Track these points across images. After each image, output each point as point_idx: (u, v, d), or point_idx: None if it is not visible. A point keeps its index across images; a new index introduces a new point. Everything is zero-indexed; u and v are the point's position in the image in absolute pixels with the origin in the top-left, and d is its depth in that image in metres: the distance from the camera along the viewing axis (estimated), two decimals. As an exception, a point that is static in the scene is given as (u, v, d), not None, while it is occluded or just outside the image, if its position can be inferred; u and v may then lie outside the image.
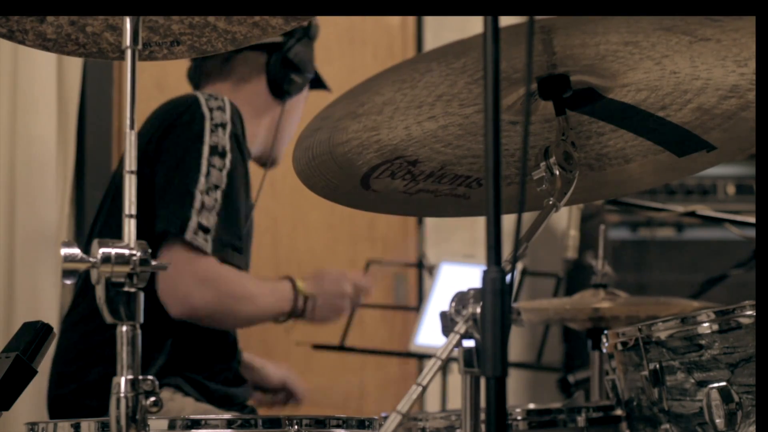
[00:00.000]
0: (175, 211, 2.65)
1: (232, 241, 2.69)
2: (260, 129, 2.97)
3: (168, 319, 2.67)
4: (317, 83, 3.10)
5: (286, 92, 2.96)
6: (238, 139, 2.74)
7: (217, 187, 2.67)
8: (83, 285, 2.77)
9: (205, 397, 2.75)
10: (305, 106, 3.08)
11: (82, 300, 2.80)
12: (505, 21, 1.33)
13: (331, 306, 2.91)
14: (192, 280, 2.64)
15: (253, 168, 2.97)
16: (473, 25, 1.34)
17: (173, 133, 2.73)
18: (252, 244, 2.96)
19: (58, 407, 2.75)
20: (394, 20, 4.72)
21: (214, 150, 2.69)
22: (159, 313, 2.67)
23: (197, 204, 2.64)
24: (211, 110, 2.73)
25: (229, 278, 2.69)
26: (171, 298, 2.66)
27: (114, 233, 1.47)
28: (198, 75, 2.99)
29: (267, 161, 3.01)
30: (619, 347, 1.95)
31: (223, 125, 2.71)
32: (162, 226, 2.65)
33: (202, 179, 2.66)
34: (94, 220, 2.94)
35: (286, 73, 2.94)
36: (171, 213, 2.66)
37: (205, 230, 2.64)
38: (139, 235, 1.45)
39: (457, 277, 3.66)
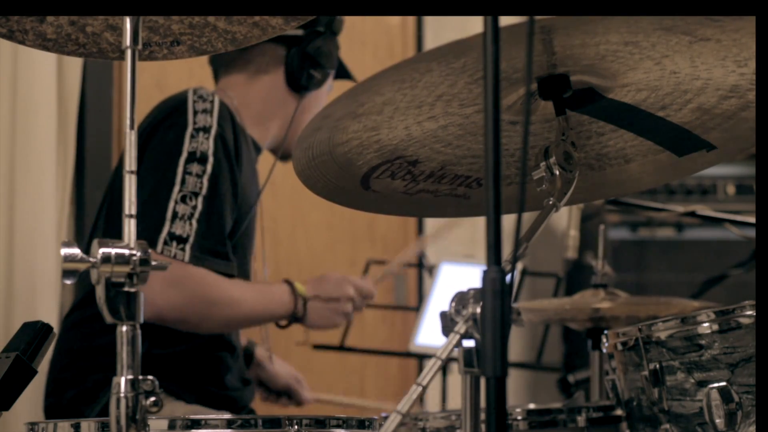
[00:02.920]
0: (145, 224, 2.63)
1: (215, 247, 2.66)
2: (275, 121, 2.94)
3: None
4: (342, 73, 3.05)
5: (304, 87, 2.92)
6: (225, 141, 2.70)
7: (196, 194, 2.63)
8: (86, 290, 2.75)
9: (204, 401, 2.73)
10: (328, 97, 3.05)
11: (84, 303, 2.78)
12: (505, 21, 1.33)
13: (333, 310, 2.87)
14: (159, 281, 2.57)
15: (262, 160, 2.95)
16: (473, 25, 1.34)
17: (154, 138, 2.71)
18: (255, 240, 2.93)
19: (54, 416, 2.72)
20: (394, 20, 4.72)
21: (193, 156, 2.65)
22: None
23: (169, 214, 2.61)
24: (195, 113, 2.70)
25: (203, 281, 2.65)
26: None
27: (114, 234, 1.47)
28: (218, 62, 2.97)
29: (279, 153, 2.97)
30: (619, 347, 1.95)
31: (207, 129, 2.68)
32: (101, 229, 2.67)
33: (176, 188, 2.63)
34: (94, 220, 2.94)
35: (305, 67, 2.90)
36: (142, 226, 2.64)
37: (180, 239, 2.60)
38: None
39: (457, 277, 3.66)
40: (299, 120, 2.90)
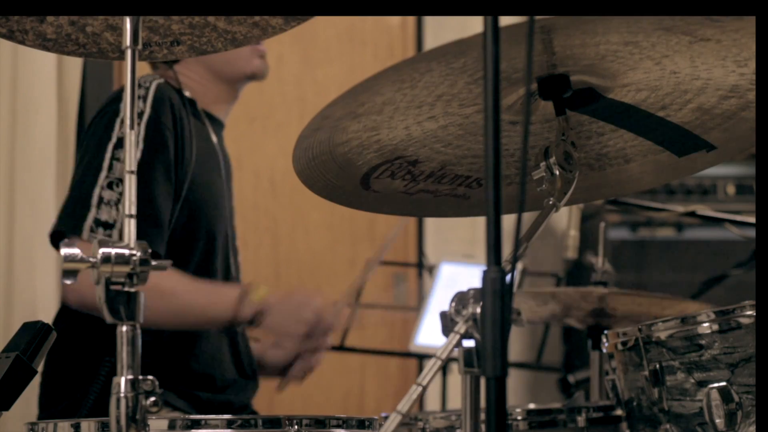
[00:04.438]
0: (71, 211, 2.60)
1: (147, 230, 2.57)
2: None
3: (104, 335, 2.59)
4: None
5: None
6: (160, 125, 2.65)
7: (122, 180, 2.62)
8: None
9: (197, 408, 2.70)
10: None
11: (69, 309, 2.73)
12: (505, 21, 1.33)
13: (282, 326, 2.73)
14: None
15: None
16: (473, 25, 1.34)
17: (89, 129, 2.71)
18: (231, 229, 2.87)
19: None
20: (394, 20, 4.73)
21: (122, 142, 2.62)
22: (89, 331, 2.61)
23: (94, 200, 2.58)
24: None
25: None
26: (67, 288, 2.60)
27: None
28: None
29: (238, 77, 2.89)
30: (619, 347, 1.95)
31: (139, 115, 2.64)
32: (58, 226, 2.62)
33: (102, 174, 2.60)
34: None
35: None
36: (67, 213, 2.62)
37: (106, 225, 2.57)
38: None
39: (457, 277, 3.66)
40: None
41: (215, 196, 2.79)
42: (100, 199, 2.59)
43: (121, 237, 2.44)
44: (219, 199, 2.81)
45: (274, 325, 2.71)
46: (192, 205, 2.73)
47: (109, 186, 2.60)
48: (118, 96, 2.73)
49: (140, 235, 2.48)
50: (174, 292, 2.65)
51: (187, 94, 2.80)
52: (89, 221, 2.57)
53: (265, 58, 2.87)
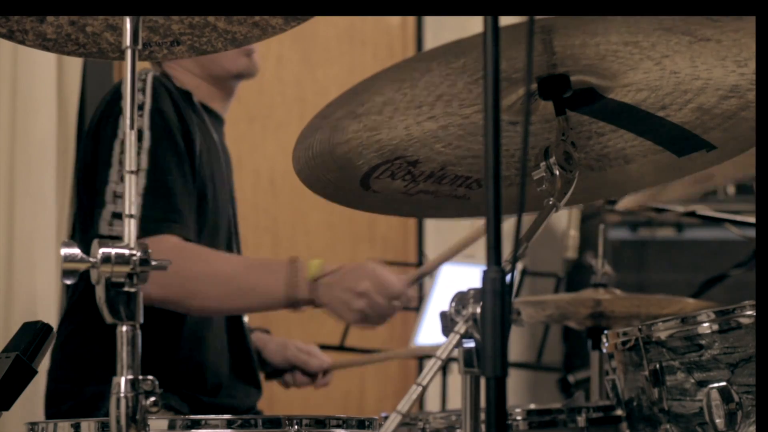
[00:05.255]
0: (88, 212, 2.61)
1: (167, 215, 2.56)
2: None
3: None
4: None
5: None
6: (164, 114, 2.64)
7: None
8: (77, 295, 2.73)
9: (199, 412, 2.69)
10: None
11: (72, 312, 2.73)
12: (505, 21, 1.33)
13: (344, 303, 2.59)
14: None
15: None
16: (473, 25, 1.34)
17: (93, 131, 2.70)
18: (233, 228, 2.86)
19: None
20: (394, 20, 4.73)
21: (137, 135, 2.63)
22: (97, 332, 2.59)
23: (109, 197, 2.58)
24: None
25: (182, 254, 2.53)
26: (152, 283, 2.60)
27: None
28: None
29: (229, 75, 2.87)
30: (619, 347, 1.95)
31: (140, 106, 2.63)
32: (77, 230, 2.63)
33: (113, 170, 2.60)
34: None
35: None
36: (84, 215, 2.63)
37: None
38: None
39: (457, 277, 3.66)
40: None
41: (217, 189, 2.78)
42: (114, 194, 2.58)
43: (146, 227, 2.48)
44: (221, 192, 2.80)
45: (330, 302, 2.59)
46: (199, 199, 2.72)
47: (122, 179, 2.58)
48: (115, 93, 2.72)
49: (165, 222, 2.48)
50: (217, 258, 2.60)
51: (178, 85, 2.80)
52: (106, 217, 2.56)
53: (253, 56, 2.83)
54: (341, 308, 2.60)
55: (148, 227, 2.51)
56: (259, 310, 2.82)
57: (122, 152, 2.61)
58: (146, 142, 2.61)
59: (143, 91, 2.66)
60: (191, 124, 2.71)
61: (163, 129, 2.64)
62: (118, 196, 2.57)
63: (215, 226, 2.77)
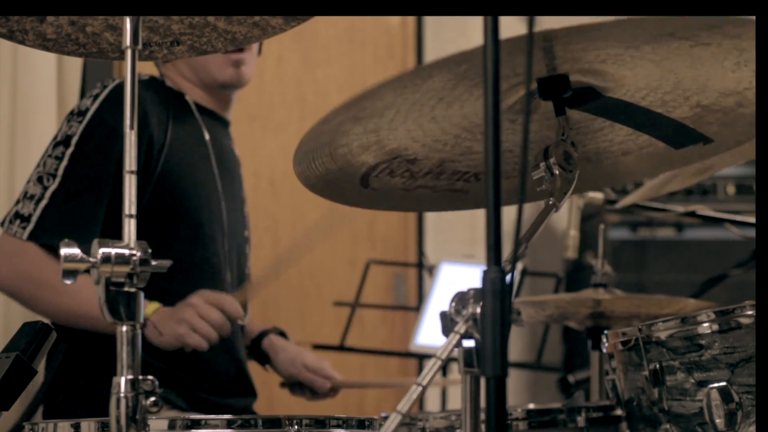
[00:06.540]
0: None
1: (63, 229, 2.57)
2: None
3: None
4: None
5: None
6: (105, 124, 2.66)
7: (52, 175, 2.63)
8: None
9: (197, 408, 2.70)
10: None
11: None
12: (505, 22, 1.33)
13: (174, 319, 2.56)
14: None
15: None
16: (473, 25, 1.34)
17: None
18: (227, 228, 2.86)
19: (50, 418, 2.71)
20: (394, 20, 4.72)
21: (61, 139, 2.67)
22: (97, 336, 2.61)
23: (21, 195, 2.65)
24: (81, 98, 2.71)
25: (37, 262, 2.61)
26: None
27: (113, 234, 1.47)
28: None
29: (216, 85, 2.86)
30: (619, 347, 1.95)
31: (83, 113, 2.67)
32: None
33: (36, 169, 2.67)
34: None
35: None
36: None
37: (23, 218, 2.61)
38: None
39: (457, 277, 3.66)
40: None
41: (199, 186, 2.78)
42: (25, 193, 2.65)
43: (36, 232, 2.54)
44: (205, 189, 2.80)
45: (155, 338, 2.57)
46: (171, 193, 2.73)
47: (39, 180, 2.65)
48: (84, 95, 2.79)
49: (58, 235, 2.49)
50: (81, 290, 2.57)
51: (169, 84, 2.81)
52: (10, 214, 2.65)
53: (242, 68, 2.81)
54: (171, 327, 2.56)
55: (35, 233, 2.60)
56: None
57: (49, 155, 2.67)
58: (69, 150, 2.65)
59: (95, 97, 2.70)
60: (156, 123, 2.71)
61: (102, 139, 2.65)
62: (27, 197, 2.64)
63: (196, 222, 2.77)
